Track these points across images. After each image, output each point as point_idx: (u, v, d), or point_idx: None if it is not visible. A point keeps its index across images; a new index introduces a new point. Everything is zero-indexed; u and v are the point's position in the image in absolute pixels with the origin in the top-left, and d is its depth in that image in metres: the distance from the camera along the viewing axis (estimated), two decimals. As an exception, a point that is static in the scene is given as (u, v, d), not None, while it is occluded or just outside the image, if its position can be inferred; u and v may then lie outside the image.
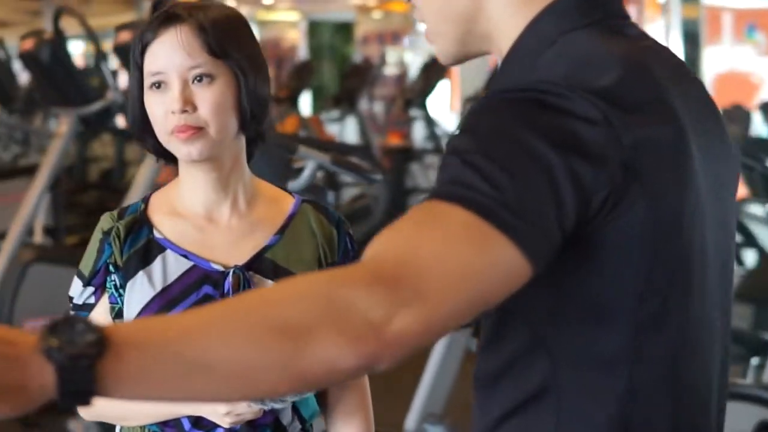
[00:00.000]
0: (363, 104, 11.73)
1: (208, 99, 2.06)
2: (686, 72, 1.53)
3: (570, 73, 1.38)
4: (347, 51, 15.40)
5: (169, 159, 2.16)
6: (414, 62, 13.93)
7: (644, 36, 1.52)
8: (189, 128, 2.06)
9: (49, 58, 5.83)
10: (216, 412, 2.05)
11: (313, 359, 1.19)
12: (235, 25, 2.14)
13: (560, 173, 1.30)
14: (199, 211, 2.16)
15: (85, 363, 1.13)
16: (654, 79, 1.43)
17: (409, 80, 12.80)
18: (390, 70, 14.36)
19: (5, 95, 6.84)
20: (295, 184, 3.64)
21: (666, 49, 1.53)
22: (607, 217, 1.35)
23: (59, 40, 5.95)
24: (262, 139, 2.21)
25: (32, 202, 5.95)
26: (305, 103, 14.45)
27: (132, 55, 2.13)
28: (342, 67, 14.45)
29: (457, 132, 1.37)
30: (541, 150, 1.30)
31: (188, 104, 2.05)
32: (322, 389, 2.05)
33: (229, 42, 2.09)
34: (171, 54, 2.07)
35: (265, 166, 3.58)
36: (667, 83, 1.44)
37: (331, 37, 15.67)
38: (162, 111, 2.08)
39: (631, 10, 9.44)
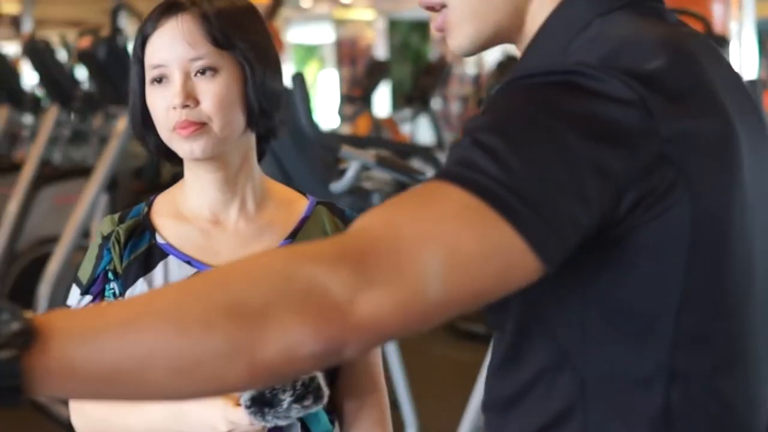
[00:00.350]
0: (437, 103, 11.61)
1: (211, 92, 1.94)
2: (726, 63, 1.40)
3: (607, 56, 1.25)
4: (424, 49, 15.30)
5: (173, 159, 2.04)
6: (492, 61, 13.79)
7: (682, 22, 1.39)
8: (191, 124, 1.94)
9: (105, 55, 5.77)
10: (216, 431, 1.92)
11: (268, 345, 1.08)
12: (242, 15, 2.01)
13: (584, 162, 1.17)
14: (204, 213, 2.04)
15: (8, 355, 1.02)
16: (700, 67, 1.29)
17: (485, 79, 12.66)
18: (469, 69, 14.23)
19: (65, 95, 6.83)
20: (337, 186, 3.52)
21: (705, 38, 1.40)
22: (642, 218, 1.22)
23: (117, 37, 5.89)
24: (273, 137, 2.08)
25: (87, 203, 5.89)
26: (383, 102, 14.38)
27: (133, 48, 2.02)
28: (417, 66, 14.37)
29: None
30: (564, 134, 1.17)
31: (190, 98, 1.94)
32: (319, 398, 1.90)
33: (235, 32, 1.97)
34: (172, 45, 1.96)
35: (306, 166, 3.49)
36: (713, 73, 1.31)
37: (409, 35, 15.58)
38: (163, 106, 1.96)
39: (716, 7, 9.22)
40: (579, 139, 1.17)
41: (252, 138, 2.03)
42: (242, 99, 1.96)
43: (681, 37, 1.33)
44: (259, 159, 2.09)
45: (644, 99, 1.20)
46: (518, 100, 1.22)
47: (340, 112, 13.15)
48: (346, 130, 12.10)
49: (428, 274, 1.12)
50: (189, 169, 2.04)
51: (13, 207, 6.63)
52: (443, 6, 1.39)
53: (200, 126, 1.94)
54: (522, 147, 1.17)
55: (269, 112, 2.00)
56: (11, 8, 10.36)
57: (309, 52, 16.00)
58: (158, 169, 9.12)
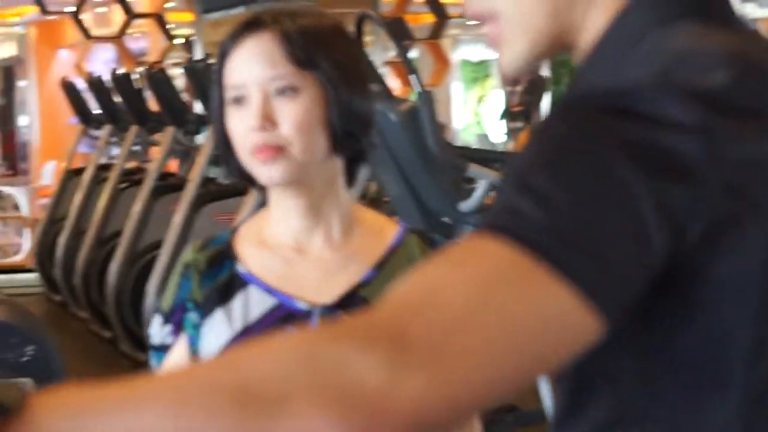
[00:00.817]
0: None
1: (291, 114, 1.77)
2: None
3: (663, 72, 1.05)
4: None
5: (256, 184, 1.87)
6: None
7: (757, 33, 1.18)
8: (268, 148, 1.77)
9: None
10: None
11: None
12: (327, 33, 1.84)
13: (643, 198, 0.98)
14: (287, 241, 1.87)
15: None
16: None
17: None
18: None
19: (180, 116, 6.86)
20: (467, 205, 3.32)
21: None
22: (707, 256, 1.02)
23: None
24: (362, 161, 1.89)
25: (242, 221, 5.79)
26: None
27: (214, 67, 1.86)
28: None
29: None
30: (619, 168, 0.98)
31: (268, 121, 1.77)
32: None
33: (317, 51, 1.79)
34: (250, 64, 1.79)
35: (435, 186, 3.32)
36: None
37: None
38: (242, 129, 1.80)
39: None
40: (635, 173, 0.98)
41: (338, 163, 1.85)
42: (324, 121, 1.79)
43: (752, 48, 1.11)
44: (351, 184, 1.90)
45: (706, 122, 1.00)
46: (566, 129, 1.03)
47: (507, 129, 12.94)
48: (511, 146, 11.89)
49: (474, 350, 0.93)
50: (273, 195, 1.87)
51: (175, 224, 6.61)
52: (493, 17, 1.19)
53: (278, 150, 1.77)
54: (571, 187, 0.98)
55: (355, 135, 1.82)
56: (185, 32, 10.49)
57: (478, 69, 15.80)
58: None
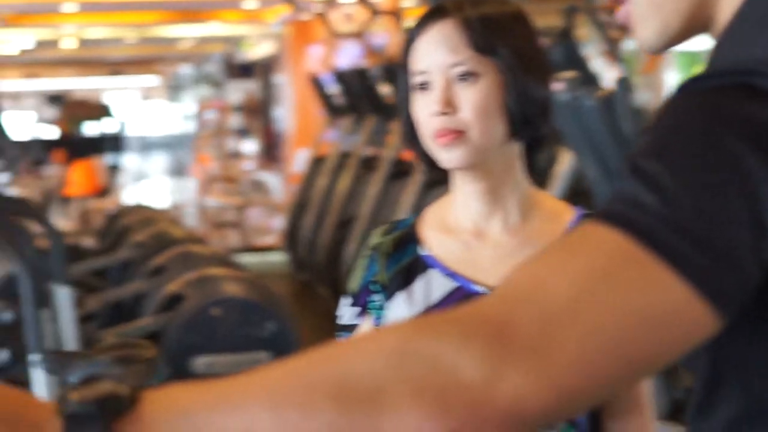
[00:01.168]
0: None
1: (471, 99, 1.73)
2: None
3: None
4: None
5: (438, 168, 1.82)
6: None
7: None
8: (449, 132, 1.73)
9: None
10: None
11: None
12: (507, 20, 1.78)
13: (760, 184, 0.88)
14: (467, 225, 1.81)
15: (93, 411, 0.87)
16: None
17: None
18: None
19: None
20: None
21: None
22: None
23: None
24: (542, 146, 1.82)
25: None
26: None
27: (401, 55, 1.83)
28: None
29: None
30: (738, 152, 0.89)
31: (449, 105, 1.73)
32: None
33: (497, 37, 1.74)
34: (433, 51, 1.76)
35: (606, 178, 3.20)
36: None
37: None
38: (425, 113, 1.76)
39: None
40: (753, 155, 0.89)
41: (516, 148, 1.79)
42: (503, 107, 1.73)
43: None
44: (532, 170, 1.83)
45: None
46: (687, 110, 0.93)
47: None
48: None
49: (580, 343, 0.85)
50: (454, 180, 1.83)
51: (404, 208, 6.63)
52: None
53: (458, 134, 1.73)
54: (685, 172, 0.89)
55: (533, 121, 1.75)
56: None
57: (691, 57, 15.35)
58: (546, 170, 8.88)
